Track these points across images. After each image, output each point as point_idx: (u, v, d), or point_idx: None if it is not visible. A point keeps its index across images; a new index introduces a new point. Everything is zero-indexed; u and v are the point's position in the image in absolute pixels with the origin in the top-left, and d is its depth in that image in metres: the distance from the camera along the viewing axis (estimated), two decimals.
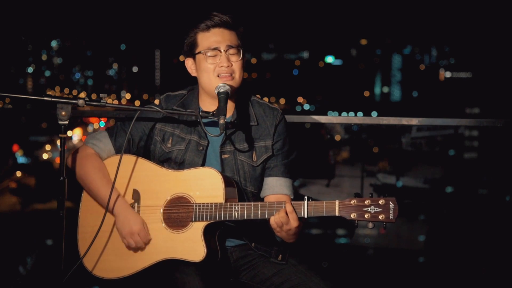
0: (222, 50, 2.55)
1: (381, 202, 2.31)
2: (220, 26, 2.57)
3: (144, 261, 2.50)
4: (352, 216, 2.32)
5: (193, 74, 2.66)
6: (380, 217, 2.30)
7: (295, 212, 2.36)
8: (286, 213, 2.36)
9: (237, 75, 2.57)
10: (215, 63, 2.56)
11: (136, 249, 2.53)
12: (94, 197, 2.60)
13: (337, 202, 2.34)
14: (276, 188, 2.63)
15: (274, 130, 2.65)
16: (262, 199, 2.66)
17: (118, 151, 2.64)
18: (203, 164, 2.61)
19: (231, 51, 2.56)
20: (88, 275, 2.57)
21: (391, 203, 2.31)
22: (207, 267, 2.45)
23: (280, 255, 2.61)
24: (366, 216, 2.31)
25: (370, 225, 2.33)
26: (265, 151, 2.64)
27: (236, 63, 2.57)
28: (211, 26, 2.56)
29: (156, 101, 2.72)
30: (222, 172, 2.55)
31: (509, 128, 3.54)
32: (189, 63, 2.66)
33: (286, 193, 2.63)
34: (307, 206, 2.36)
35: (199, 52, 2.57)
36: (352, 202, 2.33)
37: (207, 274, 2.44)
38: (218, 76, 2.55)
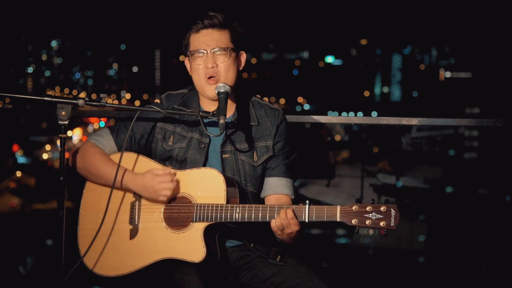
0: (208, 51, 2.56)
1: (382, 208, 2.31)
2: (209, 28, 2.59)
3: (144, 260, 2.50)
4: (353, 222, 2.32)
5: (190, 73, 2.69)
6: (381, 224, 2.30)
7: (296, 217, 2.36)
8: (287, 217, 2.36)
9: (223, 76, 2.58)
10: (202, 64, 2.59)
11: (136, 247, 2.53)
12: (102, 181, 2.59)
13: (338, 207, 2.34)
14: (277, 188, 2.63)
15: (275, 130, 2.65)
16: (262, 199, 2.66)
17: (120, 147, 2.64)
18: (205, 163, 2.61)
19: (218, 52, 2.57)
20: (89, 273, 2.57)
21: (392, 210, 2.31)
22: (207, 267, 2.45)
23: (279, 256, 2.61)
24: (367, 222, 2.31)
25: (371, 231, 2.32)
26: (266, 151, 2.64)
27: (223, 63, 2.58)
28: (201, 28, 2.60)
29: (157, 100, 2.74)
30: (223, 173, 2.55)
31: (509, 128, 3.54)
32: (186, 62, 2.70)
33: (287, 193, 2.63)
34: (308, 210, 2.36)
35: (190, 53, 2.60)
36: (354, 208, 2.33)
37: (207, 274, 2.44)
38: (205, 77, 2.57)
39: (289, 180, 2.66)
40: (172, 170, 2.57)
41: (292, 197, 2.64)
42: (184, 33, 2.66)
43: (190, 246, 2.44)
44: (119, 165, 2.53)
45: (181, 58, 2.73)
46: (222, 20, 2.60)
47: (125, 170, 2.55)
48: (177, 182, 2.53)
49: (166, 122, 2.68)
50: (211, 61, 2.57)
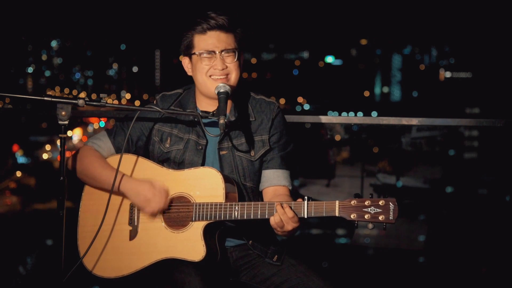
0: (217, 53, 2.56)
1: (381, 202, 2.31)
2: (216, 29, 2.58)
3: (144, 261, 2.50)
4: (352, 216, 2.32)
5: (189, 73, 2.68)
6: (380, 217, 2.30)
7: (295, 213, 2.36)
8: (286, 214, 2.36)
9: (233, 76, 2.59)
10: (209, 65, 2.57)
11: (136, 247, 2.53)
12: (98, 184, 2.59)
13: (337, 202, 2.34)
14: (274, 180, 2.64)
15: (270, 124, 2.66)
16: (261, 193, 2.67)
17: (118, 149, 2.65)
18: (202, 163, 2.61)
19: (227, 53, 2.57)
20: (88, 274, 2.57)
21: (391, 203, 2.31)
22: (206, 267, 2.46)
23: (276, 256, 2.61)
24: (366, 216, 2.31)
25: (370, 225, 2.32)
26: (262, 145, 2.64)
27: (231, 64, 2.58)
28: (207, 29, 2.58)
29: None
30: (222, 171, 2.55)
31: (509, 128, 3.54)
32: (185, 62, 2.68)
33: (284, 184, 2.64)
34: (307, 206, 2.36)
35: (195, 53, 2.59)
36: (352, 202, 2.33)
37: (207, 274, 2.44)
38: (210, 76, 2.57)
39: (286, 171, 2.67)
40: (171, 170, 2.58)
41: (290, 188, 2.65)
42: (183, 32, 2.64)
43: (190, 245, 2.45)
44: (118, 165, 2.53)
45: (181, 57, 2.72)
46: (228, 23, 2.59)
47: (123, 175, 2.55)
48: (176, 181, 2.53)
49: (163, 124, 2.68)
50: (221, 63, 2.56)
